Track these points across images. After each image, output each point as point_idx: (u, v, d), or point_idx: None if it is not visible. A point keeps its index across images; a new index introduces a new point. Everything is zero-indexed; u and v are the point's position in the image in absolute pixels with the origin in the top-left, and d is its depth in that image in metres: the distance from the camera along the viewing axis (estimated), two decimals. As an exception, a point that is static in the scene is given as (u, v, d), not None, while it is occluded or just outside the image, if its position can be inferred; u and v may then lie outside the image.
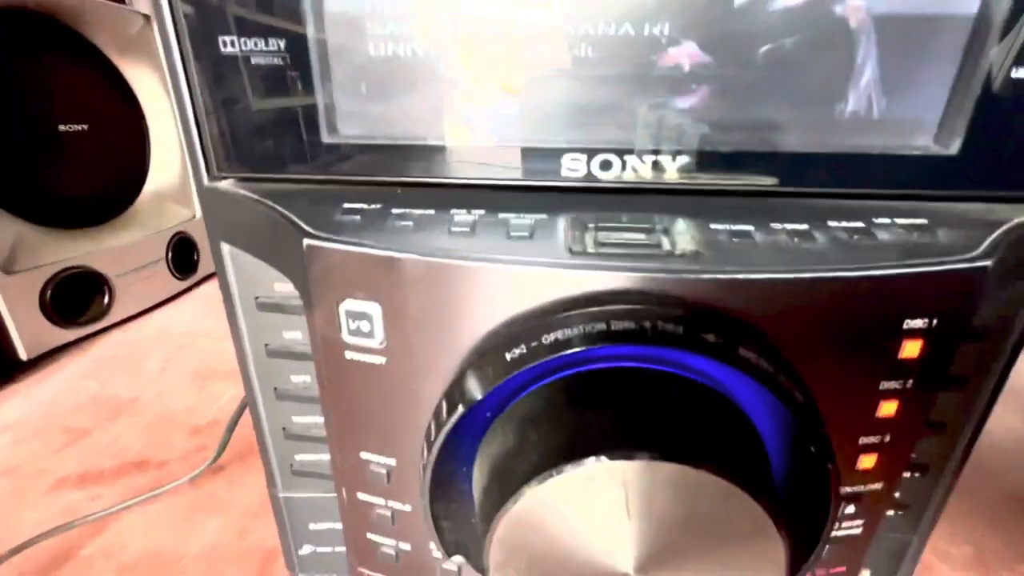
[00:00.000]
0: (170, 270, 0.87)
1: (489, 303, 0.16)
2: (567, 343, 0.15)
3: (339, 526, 0.30)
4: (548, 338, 0.15)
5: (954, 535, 0.41)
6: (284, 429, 0.26)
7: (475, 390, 0.15)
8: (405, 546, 0.22)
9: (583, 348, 0.14)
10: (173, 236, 0.87)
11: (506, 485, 0.14)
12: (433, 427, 0.17)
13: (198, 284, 0.95)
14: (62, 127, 0.71)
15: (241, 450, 0.52)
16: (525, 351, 0.15)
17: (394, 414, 0.19)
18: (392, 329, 0.18)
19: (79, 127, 0.72)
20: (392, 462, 0.20)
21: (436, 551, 0.21)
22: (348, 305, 0.18)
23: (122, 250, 0.78)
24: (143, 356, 0.70)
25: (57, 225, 0.71)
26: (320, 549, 0.31)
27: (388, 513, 0.21)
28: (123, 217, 0.81)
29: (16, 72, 0.67)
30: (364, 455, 0.20)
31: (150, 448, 0.52)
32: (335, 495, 0.28)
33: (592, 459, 0.13)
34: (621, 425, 0.14)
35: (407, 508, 0.21)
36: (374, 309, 0.18)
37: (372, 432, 0.20)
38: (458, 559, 0.21)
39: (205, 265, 0.96)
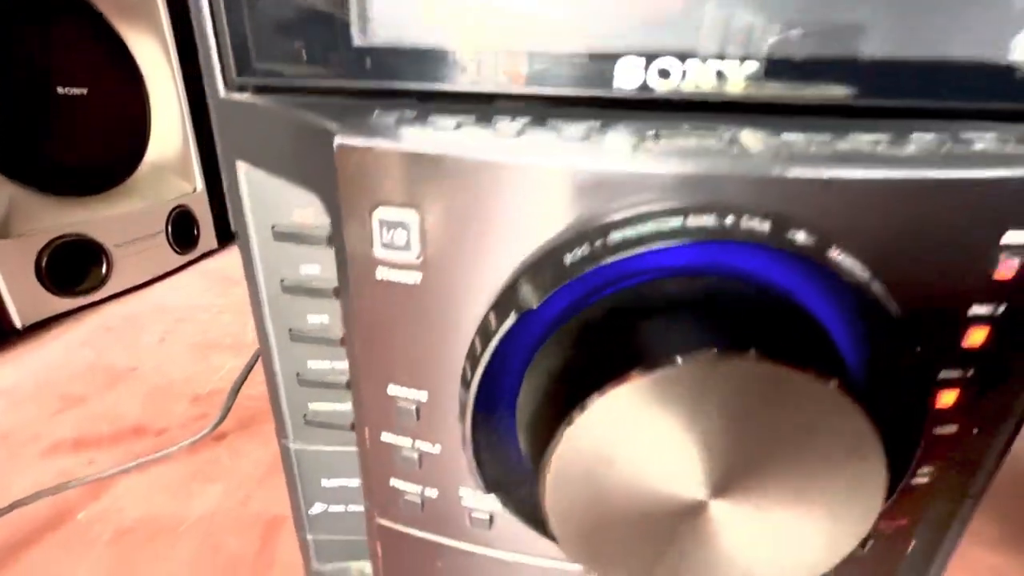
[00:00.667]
0: (170, 244, 0.85)
1: (543, 208, 0.15)
2: (637, 241, 0.13)
3: (354, 483, 0.28)
4: (615, 237, 0.13)
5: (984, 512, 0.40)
6: (298, 375, 0.25)
7: (530, 297, 0.14)
8: (431, 492, 0.20)
9: (655, 246, 0.13)
10: (173, 209, 0.85)
11: (567, 401, 0.13)
12: (478, 343, 0.15)
13: (198, 260, 0.94)
14: (60, 89, 0.68)
15: (243, 419, 0.50)
16: (588, 252, 0.13)
17: (428, 341, 0.17)
18: (430, 241, 0.16)
19: (78, 91, 0.70)
20: (422, 396, 0.18)
21: (466, 498, 0.20)
22: (382, 214, 0.16)
23: (121, 220, 0.76)
24: (141, 328, 0.69)
25: (55, 192, 0.69)
26: (332, 508, 0.29)
27: (415, 455, 0.20)
28: (122, 187, 0.79)
29: (13, 29, 0.64)
30: (392, 389, 0.19)
31: (149, 415, 0.50)
32: (350, 448, 0.27)
33: (678, 359, 0.11)
34: (704, 328, 0.12)
35: (435, 450, 0.19)
36: (411, 218, 0.16)
37: (402, 363, 0.18)
38: (493, 502, 0.19)
39: (205, 241, 0.94)
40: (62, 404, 0.51)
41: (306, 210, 0.21)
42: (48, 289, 0.67)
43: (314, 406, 0.26)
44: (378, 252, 0.17)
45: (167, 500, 0.40)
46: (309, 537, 0.30)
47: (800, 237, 0.13)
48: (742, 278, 0.14)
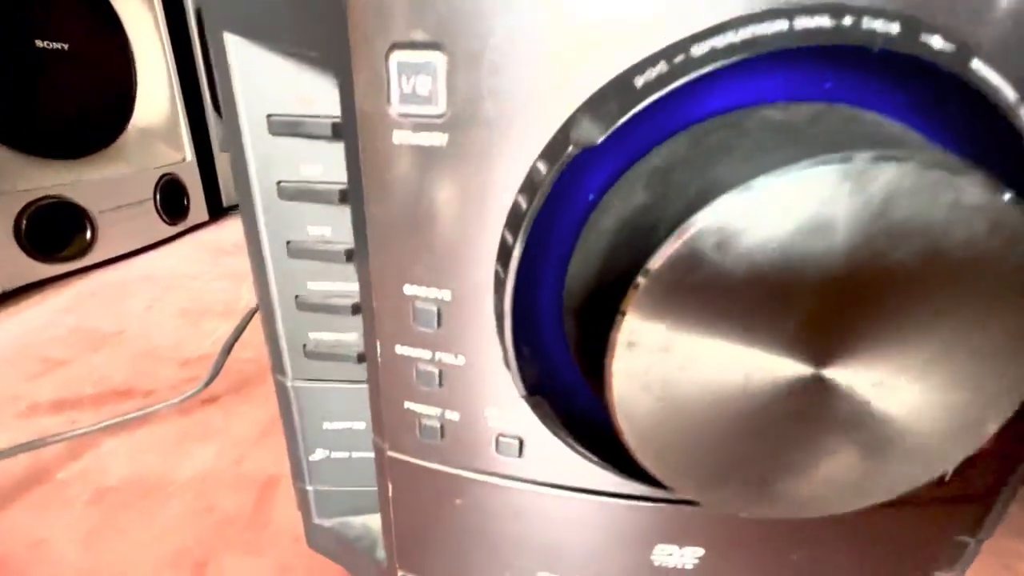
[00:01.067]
0: (158, 213, 0.81)
1: (607, 31, 0.12)
2: (728, 51, 0.10)
3: (359, 425, 0.25)
4: (700, 49, 0.11)
5: None
6: (297, 298, 0.22)
7: (591, 130, 0.11)
8: (452, 415, 0.18)
9: (750, 56, 0.10)
10: (161, 177, 0.81)
11: (639, 255, 0.10)
12: (522, 202, 0.12)
13: (188, 232, 0.90)
14: (40, 43, 0.65)
15: (237, 381, 0.47)
16: (665, 71, 0.11)
17: (454, 224, 0.15)
18: (460, 90, 0.13)
19: (58, 45, 0.66)
20: (445, 295, 0.16)
21: (493, 419, 0.17)
22: (400, 56, 0.13)
23: (105, 185, 0.72)
24: (127, 294, 0.65)
25: (35, 152, 0.65)
26: (335, 454, 0.26)
27: (434, 370, 0.17)
28: (107, 151, 0.75)
29: (-13, -26, 0.61)
30: (409, 289, 0.16)
31: (135, 377, 0.47)
32: (356, 385, 0.24)
33: (804, 165, 0.08)
34: (834, 134, 0.10)
35: (459, 361, 0.17)
36: (437, 59, 0.13)
37: (422, 255, 0.15)
38: (524, 423, 0.17)
39: (196, 212, 0.90)
40: (42, 367, 0.48)
41: (305, 96, 0.19)
42: (29, 254, 0.64)
43: (315, 335, 0.23)
44: (396, 108, 0.14)
45: (155, 460, 0.37)
46: (310, 488, 0.27)
47: (936, 43, 0.10)
48: (858, 104, 0.11)
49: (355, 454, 0.26)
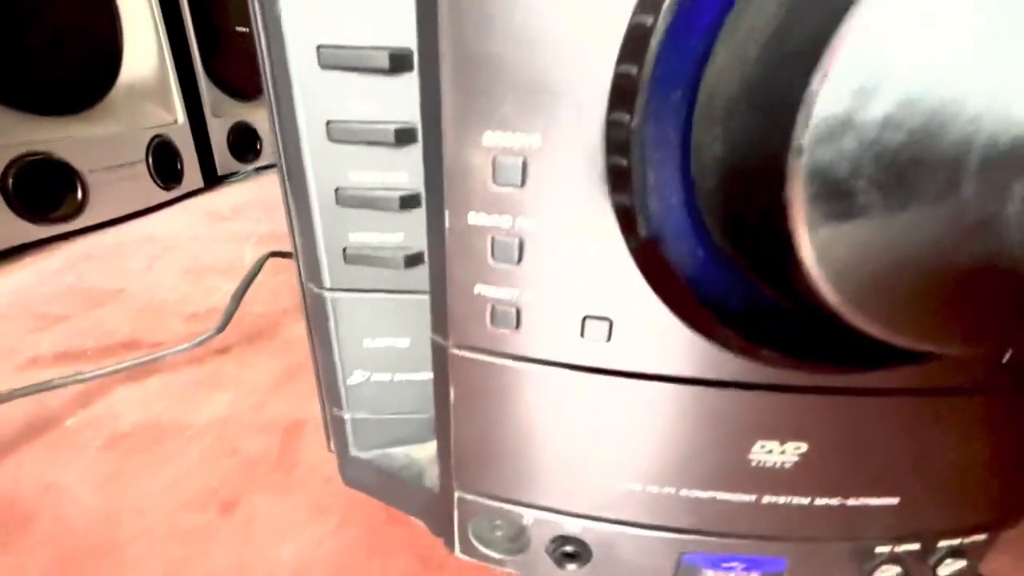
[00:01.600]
0: (152, 176, 0.78)
1: None
2: None
3: (402, 342, 0.23)
4: None
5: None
6: (337, 191, 0.20)
7: None
8: (531, 295, 0.16)
9: None
10: (153, 139, 0.78)
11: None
12: (646, 20, 0.10)
13: (184, 198, 0.87)
14: (20, -11, 0.60)
15: (249, 333, 0.45)
16: None
17: (554, 48, 0.12)
18: None
19: (40, -8, 0.62)
20: (534, 140, 0.14)
21: (580, 296, 0.15)
22: None
23: (94, 143, 0.69)
24: (126, 255, 0.62)
25: (20, 107, 0.61)
26: (376, 376, 0.24)
27: (514, 240, 0.15)
28: (95, 109, 0.71)
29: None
30: (490, 138, 0.14)
31: (141, 331, 0.45)
32: (402, 295, 0.22)
33: None
34: None
35: (545, 226, 0.14)
36: None
37: (507, 90, 0.13)
38: (613, 303, 0.15)
39: (191, 178, 0.87)
40: (41, 323, 0.46)
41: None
42: (19, 213, 0.60)
43: (356, 237, 0.21)
44: None
45: (169, 406, 0.35)
46: (347, 416, 0.25)
47: None
48: None
49: (398, 376, 0.24)
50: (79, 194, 0.67)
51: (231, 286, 0.54)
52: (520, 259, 0.15)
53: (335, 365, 0.24)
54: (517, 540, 0.22)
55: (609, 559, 0.21)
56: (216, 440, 0.32)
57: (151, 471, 0.29)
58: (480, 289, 0.16)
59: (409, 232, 0.20)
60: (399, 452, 0.26)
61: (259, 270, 0.44)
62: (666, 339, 0.15)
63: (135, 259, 0.61)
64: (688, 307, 0.15)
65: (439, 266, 0.17)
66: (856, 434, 0.17)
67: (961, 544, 0.20)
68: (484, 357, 0.17)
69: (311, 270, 0.22)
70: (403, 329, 0.23)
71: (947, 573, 0.20)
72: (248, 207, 0.82)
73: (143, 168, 0.77)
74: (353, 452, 0.26)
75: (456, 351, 0.18)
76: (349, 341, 0.23)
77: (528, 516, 0.20)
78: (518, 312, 0.16)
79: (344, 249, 0.21)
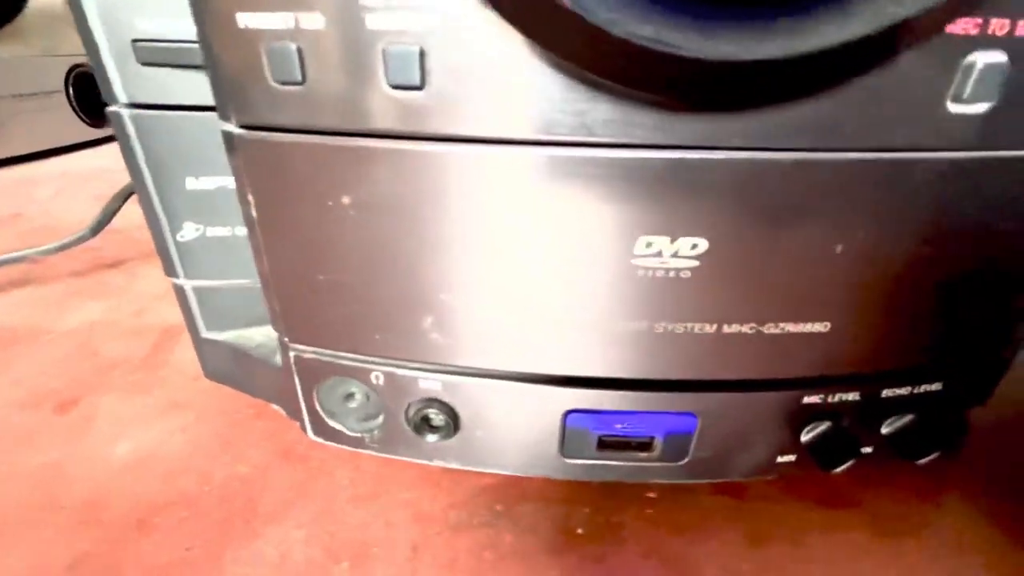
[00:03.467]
0: (75, 111, 0.72)
1: None
2: None
3: (230, 182, 0.19)
4: None
5: None
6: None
7: None
8: (313, 22, 0.11)
9: None
10: (72, 69, 0.71)
11: None
12: None
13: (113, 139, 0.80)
14: None
15: (149, 251, 0.40)
16: None
17: None
18: None
19: None
20: None
21: (375, 23, 0.11)
22: None
23: (2, 68, 0.62)
24: (35, 184, 0.57)
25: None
26: (212, 231, 0.19)
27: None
28: (3, 31, 0.65)
29: None
30: None
31: (26, 244, 0.40)
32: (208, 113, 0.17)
33: None
34: None
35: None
36: None
37: None
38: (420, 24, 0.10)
39: (123, 115, 0.80)
40: (-87, 243, 0.41)
41: None
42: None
43: (145, 25, 0.16)
44: None
45: (32, 313, 0.30)
46: (186, 284, 0.21)
47: None
48: None
49: (239, 229, 0.20)
50: (-17, 121, 0.60)
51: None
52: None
53: (158, 215, 0.19)
54: (376, 414, 0.18)
55: (478, 427, 0.17)
56: (77, 345, 0.28)
57: (-12, 373, 0.25)
58: (245, 20, 0.12)
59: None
60: (257, 332, 0.22)
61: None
62: (496, 70, 0.11)
63: (45, 187, 0.56)
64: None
65: (209, 21, 0.12)
66: (767, 227, 0.13)
67: (911, 394, 0.17)
68: (275, 136, 0.13)
69: (104, 86, 0.17)
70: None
71: (892, 430, 0.17)
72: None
73: (62, 99, 0.70)
74: (205, 334, 0.22)
75: (242, 132, 0.13)
76: (167, 180, 0.19)
77: (376, 374, 0.16)
78: (300, 55, 0.12)
79: (134, 42, 0.16)
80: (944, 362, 0.16)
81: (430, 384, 0.16)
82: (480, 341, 0.15)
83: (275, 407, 0.22)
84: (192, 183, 0.19)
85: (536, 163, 0.12)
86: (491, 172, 0.12)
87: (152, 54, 0.16)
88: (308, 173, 0.13)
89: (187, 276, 0.21)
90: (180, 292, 0.21)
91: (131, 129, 0.18)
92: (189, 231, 0.20)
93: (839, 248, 0.13)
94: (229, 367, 0.23)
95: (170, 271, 0.21)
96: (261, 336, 0.22)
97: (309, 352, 0.17)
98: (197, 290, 0.21)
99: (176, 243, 0.20)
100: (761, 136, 0.11)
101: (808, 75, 0.11)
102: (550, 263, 0.13)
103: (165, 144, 0.18)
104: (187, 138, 0.18)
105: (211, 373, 0.24)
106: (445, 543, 0.17)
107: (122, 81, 0.17)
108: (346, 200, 0.13)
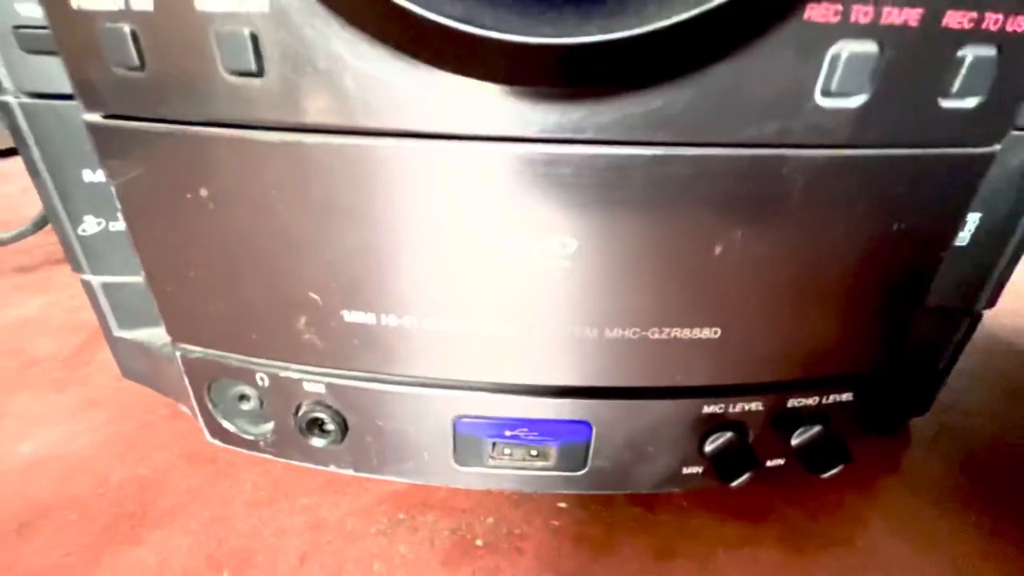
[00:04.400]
0: None
1: None
2: None
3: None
4: None
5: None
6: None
7: None
8: (143, 2, 0.10)
9: None
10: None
11: None
12: None
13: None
14: None
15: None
16: None
17: None
18: None
19: None
20: None
21: (206, 5, 0.10)
22: None
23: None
24: (3, 180, 0.57)
25: None
26: (116, 224, 0.19)
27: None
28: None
29: None
30: None
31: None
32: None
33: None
34: None
35: None
36: None
37: None
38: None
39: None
40: None
41: None
42: None
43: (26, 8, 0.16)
44: None
45: (-38, 310, 0.30)
46: (93, 280, 0.20)
47: None
48: None
49: (141, 223, 0.19)
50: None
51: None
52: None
53: (57, 211, 0.19)
54: (269, 417, 0.17)
55: (367, 432, 0.16)
56: (2, 341, 0.27)
57: (-98, 370, 0.24)
58: (78, 0, 0.11)
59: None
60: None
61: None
62: (330, 58, 0.10)
63: (11, 184, 0.55)
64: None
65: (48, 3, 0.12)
66: (637, 227, 0.12)
67: (820, 404, 0.16)
68: (127, 125, 0.12)
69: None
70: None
71: (800, 442, 0.16)
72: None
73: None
74: (117, 332, 0.22)
75: (94, 120, 0.13)
76: (63, 172, 0.18)
77: (260, 375, 0.16)
78: (136, 37, 0.11)
79: (15, 29, 0.16)
80: (845, 370, 0.15)
81: (313, 387, 0.16)
82: (357, 342, 0.14)
83: (182, 407, 0.21)
84: (89, 175, 0.18)
85: (389, 155, 0.12)
86: (344, 164, 0.12)
87: (34, 41, 0.16)
88: (163, 164, 0.13)
89: (93, 272, 0.20)
90: (88, 288, 0.21)
91: (21, 119, 0.17)
92: (90, 225, 0.19)
93: (718, 250, 0.12)
94: (143, 366, 0.22)
95: (76, 266, 0.20)
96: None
97: (196, 352, 0.16)
98: (105, 286, 0.20)
99: (78, 237, 0.19)
100: (616, 129, 0.11)
101: (649, 63, 0.10)
102: (417, 260, 0.13)
103: (58, 135, 0.17)
104: (80, 129, 0.17)
105: (128, 372, 0.23)
106: (335, 552, 0.17)
107: (7, 69, 0.16)
108: (204, 193, 0.13)
